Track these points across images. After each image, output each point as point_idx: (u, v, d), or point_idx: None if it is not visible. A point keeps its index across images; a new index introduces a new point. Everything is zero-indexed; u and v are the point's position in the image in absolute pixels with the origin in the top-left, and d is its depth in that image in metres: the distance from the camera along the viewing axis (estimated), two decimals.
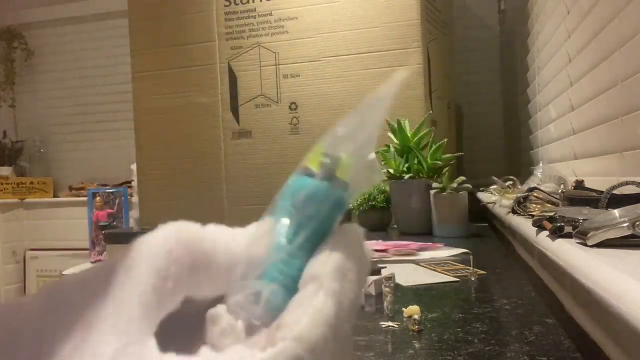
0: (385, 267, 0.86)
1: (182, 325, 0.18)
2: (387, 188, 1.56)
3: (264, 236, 0.19)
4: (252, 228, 0.20)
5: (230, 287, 0.18)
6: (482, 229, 1.49)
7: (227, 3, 2.03)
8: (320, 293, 0.16)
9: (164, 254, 0.17)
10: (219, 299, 0.19)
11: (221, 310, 0.18)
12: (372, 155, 0.21)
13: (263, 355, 0.15)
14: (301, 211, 0.19)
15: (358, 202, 1.56)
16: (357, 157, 0.20)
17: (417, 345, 0.54)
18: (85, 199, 3.07)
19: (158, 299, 0.17)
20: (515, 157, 2.40)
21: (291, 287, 0.18)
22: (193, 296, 0.18)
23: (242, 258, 0.18)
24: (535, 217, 0.78)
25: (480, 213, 1.68)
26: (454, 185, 1.37)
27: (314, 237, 0.19)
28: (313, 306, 0.16)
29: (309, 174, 0.20)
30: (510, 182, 1.38)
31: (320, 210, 0.19)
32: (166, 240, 0.17)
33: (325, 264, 0.17)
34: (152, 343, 0.16)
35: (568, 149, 1.32)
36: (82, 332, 0.16)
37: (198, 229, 0.18)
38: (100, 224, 2.98)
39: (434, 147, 1.50)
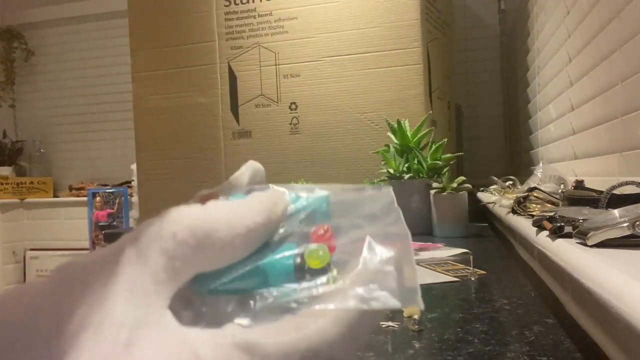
0: None
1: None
2: None
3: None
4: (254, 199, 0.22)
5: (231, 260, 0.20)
6: (482, 229, 1.49)
7: (227, 3, 2.03)
8: (349, 295, 0.18)
9: (170, 236, 0.18)
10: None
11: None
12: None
13: (288, 339, 0.17)
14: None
15: None
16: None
17: (417, 345, 0.54)
18: (85, 199, 3.07)
19: (168, 276, 0.18)
20: (515, 157, 2.40)
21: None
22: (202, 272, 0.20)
23: (242, 229, 0.20)
24: (535, 217, 0.78)
25: (480, 213, 1.68)
26: (454, 185, 1.37)
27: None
28: (339, 307, 0.18)
29: (302, 269, 0.20)
30: (510, 182, 1.38)
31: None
32: (171, 224, 0.19)
33: (361, 274, 0.19)
34: (169, 314, 0.18)
35: (568, 149, 1.32)
36: (100, 306, 0.17)
37: (199, 211, 0.20)
38: (100, 224, 2.98)
39: (434, 147, 1.50)
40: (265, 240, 0.21)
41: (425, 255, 1.06)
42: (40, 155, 3.56)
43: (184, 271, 0.19)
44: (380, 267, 0.20)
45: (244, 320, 0.19)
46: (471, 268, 0.87)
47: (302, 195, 0.24)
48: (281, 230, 0.22)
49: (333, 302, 0.18)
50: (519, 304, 0.67)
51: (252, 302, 0.19)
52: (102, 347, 0.16)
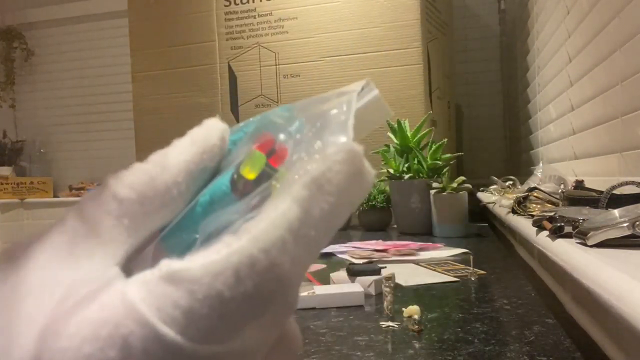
0: (385, 267, 0.86)
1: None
2: (387, 188, 1.56)
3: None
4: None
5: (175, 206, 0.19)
6: (482, 229, 1.49)
7: (227, 3, 2.03)
8: (287, 198, 0.16)
9: (110, 198, 0.18)
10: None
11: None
12: (375, 93, 0.19)
13: (217, 257, 0.15)
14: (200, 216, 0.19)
15: None
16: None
17: (417, 345, 0.54)
18: None
19: (118, 233, 0.17)
20: (515, 157, 2.40)
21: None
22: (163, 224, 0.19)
23: (181, 165, 0.19)
24: (535, 217, 0.78)
25: (480, 213, 1.68)
26: (454, 185, 1.37)
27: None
28: (275, 209, 0.16)
29: (239, 184, 0.18)
30: (510, 182, 1.38)
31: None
32: (109, 187, 0.18)
33: (303, 175, 0.17)
34: (115, 270, 0.17)
35: (568, 149, 1.32)
36: (41, 274, 0.17)
37: (133, 166, 0.19)
38: None
39: (434, 147, 1.50)
40: (211, 170, 0.20)
41: (425, 255, 1.06)
42: (40, 155, 3.56)
43: (137, 227, 0.18)
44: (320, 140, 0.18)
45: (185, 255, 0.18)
46: (471, 268, 0.87)
47: (251, 123, 0.22)
48: (230, 157, 0.20)
49: (272, 209, 0.16)
50: (519, 304, 0.67)
51: (196, 235, 0.19)
52: (33, 309, 0.16)
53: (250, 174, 0.18)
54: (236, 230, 0.16)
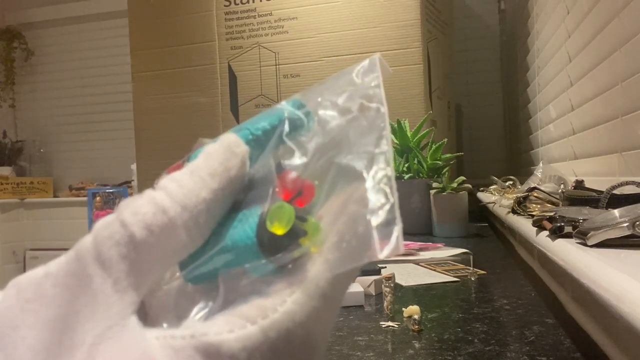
0: (385, 267, 0.86)
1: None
2: None
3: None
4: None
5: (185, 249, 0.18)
6: (482, 229, 1.49)
7: (227, 3, 2.03)
8: (319, 261, 0.16)
9: (127, 240, 0.17)
10: None
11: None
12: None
13: (253, 329, 0.15)
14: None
15: None
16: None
17: (417, 345, 0.54)
18: (85, 199, 3.07)
19: (135, 280, 0.17)
20: (515, 157, 2.40)
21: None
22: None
23: (200, 205, 0.18)
24: (535, 217, 0.78)
25: (480, 213, 1.67)
26: (454, 185, 1.37)
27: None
28: (308, 275, 0.16)
29: (266, 240, 0.17)
30: (510, 182, 1.38)
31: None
32: (126, 226, 0.17)
33: (330, 229, 0.16)
34: (134, 320, 0.16)
35: (568, 148, 1.32)
36: (56, 328, 0.16)
37: (148, 201, 0.17)
38: None
39: (434, 147, 1.50)
40: (232, 198, 0.19)
41: (425, 255, 1.06)
42: (40, 155, 3.56)
43: (154, 270, 0.17)
44: (355, 210, 0.17)
45: (208, 309, 0.17)
46: (471, 268, 0.87)
47: (262, 122, 0.20)
48: (251, 171, 0.19)
49: (305, 272, 0.16)
50: (519, 304, 0.67)
51: (219, 287, 0.18)
52: None
53: (278, 230, 0.17)
54: (266, 292, 0.16)
